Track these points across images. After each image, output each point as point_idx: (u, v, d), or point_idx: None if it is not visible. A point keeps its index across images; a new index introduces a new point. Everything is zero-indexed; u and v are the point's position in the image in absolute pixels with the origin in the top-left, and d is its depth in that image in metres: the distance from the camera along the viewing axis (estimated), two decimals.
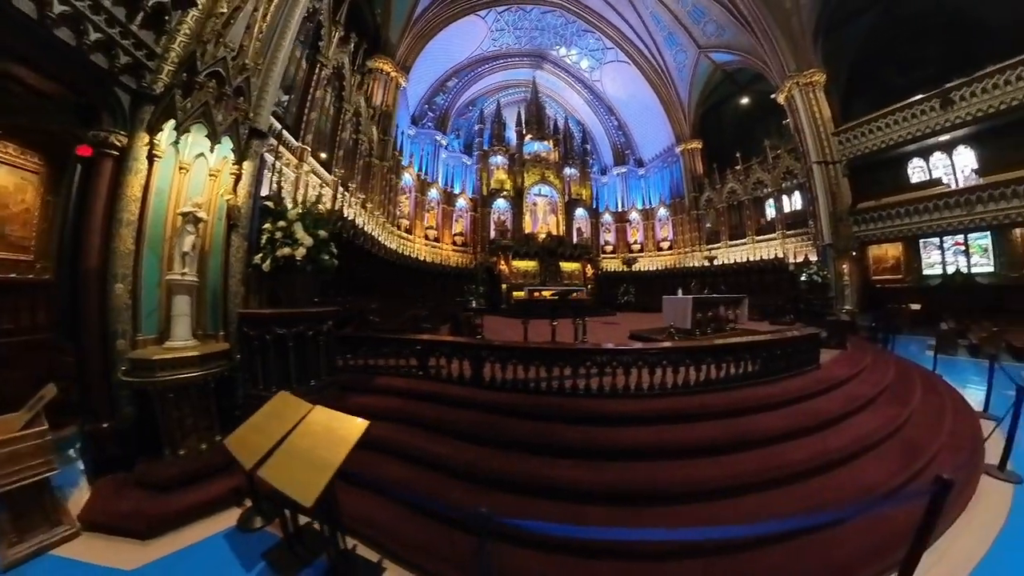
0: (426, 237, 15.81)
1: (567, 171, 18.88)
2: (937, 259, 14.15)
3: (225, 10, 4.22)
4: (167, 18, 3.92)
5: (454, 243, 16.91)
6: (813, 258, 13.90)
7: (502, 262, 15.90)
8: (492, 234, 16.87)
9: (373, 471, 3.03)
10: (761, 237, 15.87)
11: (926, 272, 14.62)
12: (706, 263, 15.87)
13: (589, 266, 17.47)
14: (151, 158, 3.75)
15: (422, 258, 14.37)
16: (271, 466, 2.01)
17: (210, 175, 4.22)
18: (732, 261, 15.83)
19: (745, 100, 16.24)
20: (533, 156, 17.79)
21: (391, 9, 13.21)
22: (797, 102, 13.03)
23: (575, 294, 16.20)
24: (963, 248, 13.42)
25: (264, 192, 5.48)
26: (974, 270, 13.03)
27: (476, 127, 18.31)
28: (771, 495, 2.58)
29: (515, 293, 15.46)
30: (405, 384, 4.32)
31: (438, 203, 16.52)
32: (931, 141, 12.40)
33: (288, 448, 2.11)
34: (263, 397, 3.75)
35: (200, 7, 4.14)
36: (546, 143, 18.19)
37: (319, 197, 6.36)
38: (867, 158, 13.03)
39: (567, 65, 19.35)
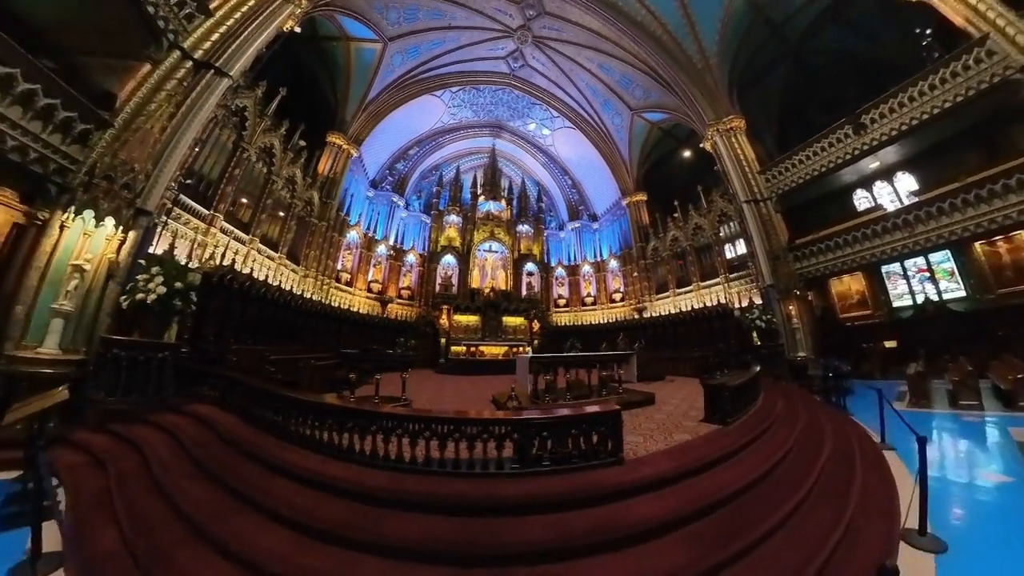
0: (369, 290, 18.38)
1: (522, 228, 21.85)
2: (905, 289, 14.34)
3: (136, 127, 7.17)
4: (91, 136, 6.84)
5: (400, 296, 19.38)
6: (759, 301, 14.57)
7: (444, 316, 18.02)
8: (437, 288, 19.29)
9: (114, 459, 4.78)
10: (706, 283, 17.31)
11: (896, 304, 14.72)
12: (637, 315, 17.20)
13: (536, 320, 19.25)
14: (62, 227, 6.35)
15: (359, 310, 16.75)
16: (13, 412, 3.95)
17: (106, 239, 6.78)
18: (677, 310, 17.15)
19: (688, 153, 18.92)
20: (485, 215, 20.91)
21: (348, 93, 17.45)
22: (720, 147, 15.23)
23: (519, 348, 17.89)
24: (928, 274, 13.68)
25: (162, 249, 8.09)
26: (946, 297, 13.18)
27: (434, 189, 21.90)
28: None
29: (454, 348, 17.30)
30: (206, 412, 5.80)
31: (386, 258, 19.39)
32: (869, 171, 13.89)
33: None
34: (95, 401, 5.86)
35: (117, 127, 7.12)
36: (500, 203, 21.46)
37: (212, 255, 8.99)
38: (806, 192, 14.41)
39: (523, 133, 23.44)
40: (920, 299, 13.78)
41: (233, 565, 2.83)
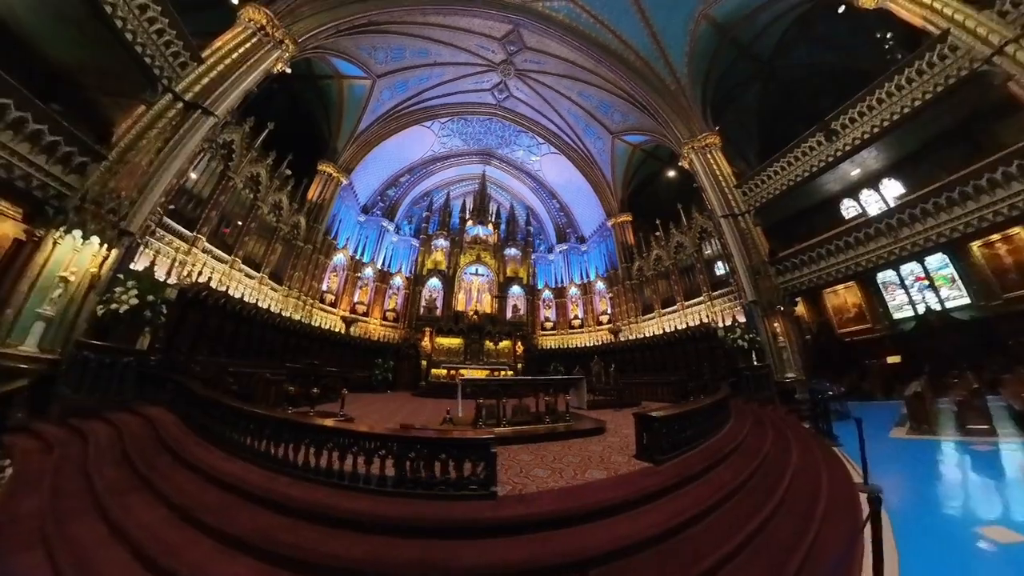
0: (354, 311, 19.57)
1: (509, 252, 23.11)
2: (904, 299, 14.41)
3: (128, 159, 8.66)
4: (88, 167, 8.32)
5: (384, 318, 20.50)
6: (743, 319, 14.53)
7: (426, 338, 18.94)
8: (421, 311, 20.36)
9: (62, 446, 5.78)
10: (690, 302, 17.72)
11: (897, 316, 14.72)
12: (612, 337, 17.68)
13: (520, 343, 19.93)
14: (54, 244, 7.69)
15: (340, 330, 17.87)
16: None
17: (92, 255, 8.11)
18: (662, 331, 17.59)
19: (672, 173, 19.94)
20: (473, 239, 22.27)
21: (340, 125, 19.43)
22: (696, 164, 16.10)
23: (501, 372, 18.54)
24: (927, 282, 13.74)
25: (143, 266, 9.41)
26: (949, 305, 13.05)
27: (424, 214, 23.51)
28: None
29: (435, 370, 18.10)
30: (155, 412, 6.89)
31: (372, 281, 20.71)
32: (853, 179, 14.42)
33: None
34: (62, 397, 6.93)
35: (111, 159, 8.61)
36: (487, 227, 22.82)
37: (190, 273, 10.32)
38: (791, 204, 14.82)
39: (512, 159, 25.20)
40: (921, 309, 13.68)
41: (111, 532, 3.62)
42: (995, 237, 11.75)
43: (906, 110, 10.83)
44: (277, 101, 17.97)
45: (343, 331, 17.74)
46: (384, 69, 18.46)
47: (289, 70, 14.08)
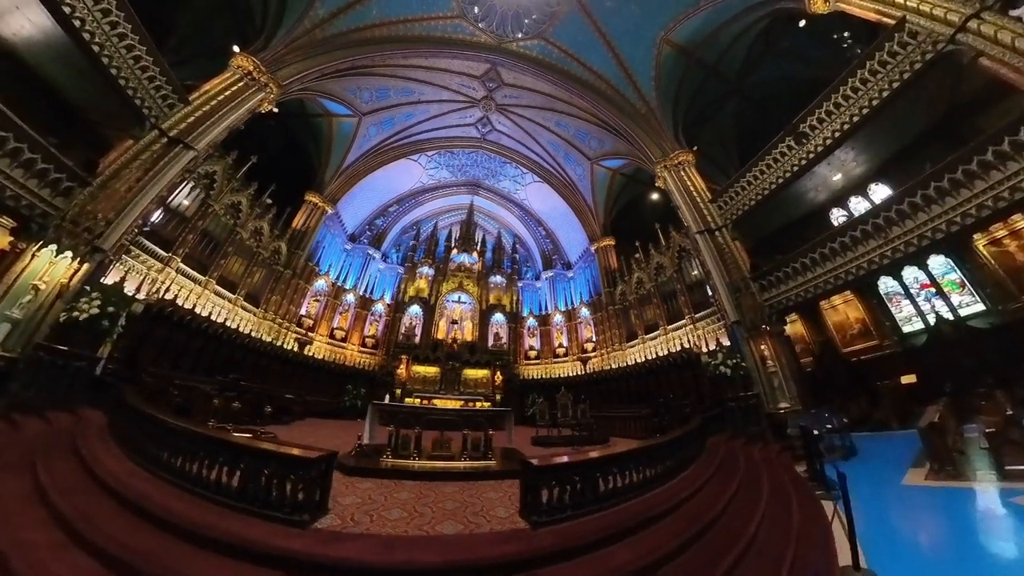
0: (332, 336, 20.75)
1: (494, 279, 24.23)
2: (912, 311, 13.83)
3: (109, 185, 10.35)
4: (73, 191, 9.99)
5: (363, 344, 21.55)
6: (727, 343, 14.00)
7: (403, 366, 19.77)
8: (400, 337, 21.34)
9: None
10: (672, 326, 17.98)
11: (906, 329, 14.02)
12: (587, 367, 17.94)
13: (500, 373, 20.44)
14: (33, 256, 9.20)
15: (314, 354, 18.96)
16: None
17: (65, 268, 9.58)
18: (644, 359, 17.82)
19: (655, 196, 20.76)
20: (457, 266, 23.56)
21: (329, 159, 21.60)
22: (670, 182, 16.86)
23: (476, 403, 19.00)
24: (933, 289, 13.22)
25: (113, 280, 10.87)
26: (963, 313, 12.44)
27: (411, 243, 25.16)
28: None
29: (408, 399, 18.73)
30: (91, 414, 8.02)
31: (352, 307, 22.01)
32: (838, 186, 14.71)
33: None
34: (11, 393, 8.10)
35: (95, 185, 10.30)
36: (472, 255, 24.16)
37: (158, 290, 11.77)
38: (776, 218, 15.10)
39: (498, 189, 27.02)
40: (932, 319, 13.07)
41: None
42: (1002, 232, 11.45)
43: (875, 102, 10.97)
44: (274, 136, 20.38)
45: (314, 354, 18.78)
46: (369, 108, 20.71)
47: (276, 109, 16.19)
